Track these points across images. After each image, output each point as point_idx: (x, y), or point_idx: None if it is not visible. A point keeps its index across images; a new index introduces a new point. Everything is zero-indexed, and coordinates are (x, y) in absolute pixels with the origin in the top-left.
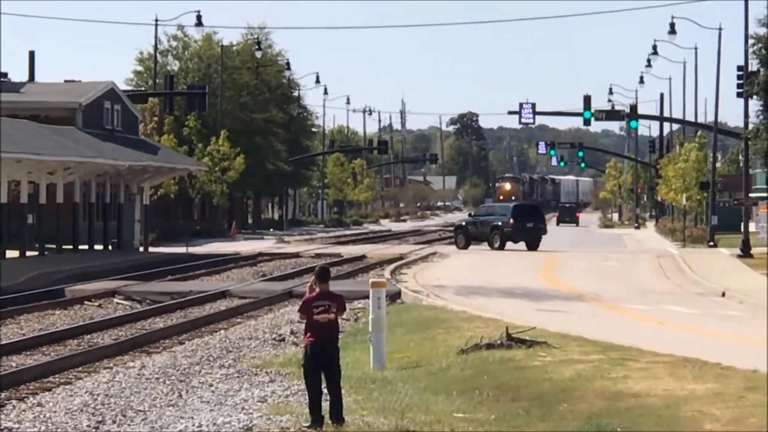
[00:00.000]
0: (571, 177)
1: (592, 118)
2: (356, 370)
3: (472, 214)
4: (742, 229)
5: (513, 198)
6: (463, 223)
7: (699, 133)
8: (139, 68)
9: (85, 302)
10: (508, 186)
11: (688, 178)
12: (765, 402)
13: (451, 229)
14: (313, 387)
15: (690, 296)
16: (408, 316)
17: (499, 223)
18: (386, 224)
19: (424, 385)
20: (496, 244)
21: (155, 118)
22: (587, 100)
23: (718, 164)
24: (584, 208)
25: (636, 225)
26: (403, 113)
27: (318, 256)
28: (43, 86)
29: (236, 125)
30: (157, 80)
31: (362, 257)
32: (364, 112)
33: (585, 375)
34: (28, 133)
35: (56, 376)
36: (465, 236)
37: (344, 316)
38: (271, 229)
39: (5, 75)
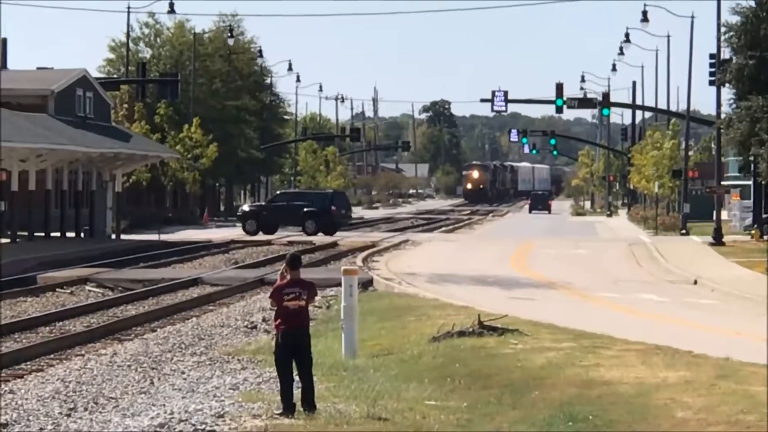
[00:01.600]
0: (527, 164)
1: (565, 106)
2: (328, 357)
3: (268, 200)
4: (714, 217)
5: (481, 186)
6: (255, 209)
7: (673, 121)
8: (112, 56)
9: (57, 289)
10: (476, 174)
11: (661, 166)
12: (736, 390)
13: (425, 216)
14: (284, 374)
15: (662, 284)
16: (380, 304)
17: (315, 210)
18: (358, 212)
19: (396, 372)
20: (311, 230)
21: (125, 106)
22: (559, 87)
23: (690, 152)
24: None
25: (608, 213)
26: (375, 101)
27: (290, 243)
28: (15, 74)
29: (208, 113)
30: (129, 67)
31: (334, 245)
32: (336, 99)
33: (556, 363)
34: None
35: (28, 363)
36: (257, 221)
37: (316, 304)
38: None
39: None
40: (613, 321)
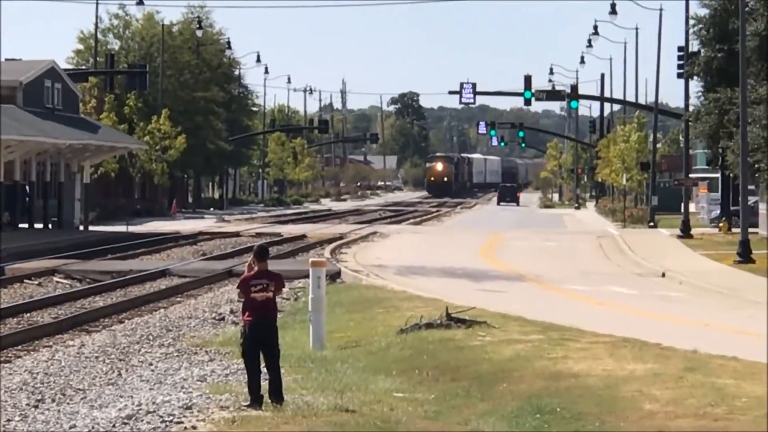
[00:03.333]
0: (479, 156)
1: (533, 98)
2: (296, 349)
3: None
4: (682, 210)
5: (446, 179)
6: None
7: (637, 113)
8: (81, 47)
9: (25, 281)
10: (440, 166)
11: (628, 158)
12: (704, 382)
13: (393, 208)
14: (252, 366)
15: (630, 277)
16: (348, 296)
17: None
18: (327, 203)
19: (364, 364)
20: None
21: (95, 98)
22: (528, 80)
23: (658, 145)
24: (493, 187)
25: (576, 205)
26: (344, 93)
27: (258, 235)
28: None
29: (177, 104)
30: (98, 59)
31: (302, 236)
32: (305, 91)
33: (525, 355)
34: None
35: None
36: None
37: (284, 296)
38: (212, 209)
39: None
40: (581, 313)
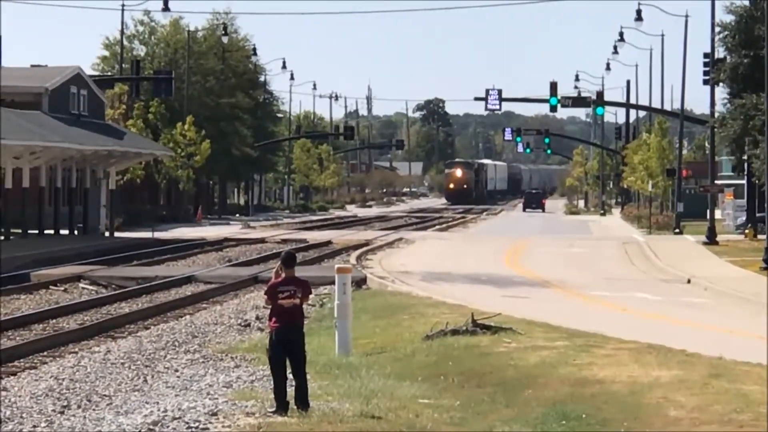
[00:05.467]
0: (490, 161)
1: (559, 105)
2: (322, 355)
3: None
4: (708, 217)
5: (465, 186)
6: None
7: (658, 119)
8: (106, 53)
9: (51, 287)
10: (459, 172)
11: (652, 165)
12: (729, 389)
13: (419, 215)
14: (278, 372)
15: (655, 283)
16: (373, 302)
17: None
18: (352, 210)
19: (389, 370)
20: None
21: (123, 105)
22: (553, 86)
23: (684, 151)
24: (499, 194)
25: (602, 212)
26: (369, 99)
27: (284, 241)
28: (9, 71)
29: (202, 110)
30: (123, 65)
31: (328, 243)
32: (330, 97)
33: (550, 361)
34: None
35: (21, 360)
36: None
37: (310, 302)
38: (237, 215)
39: None
40: (606, 320)
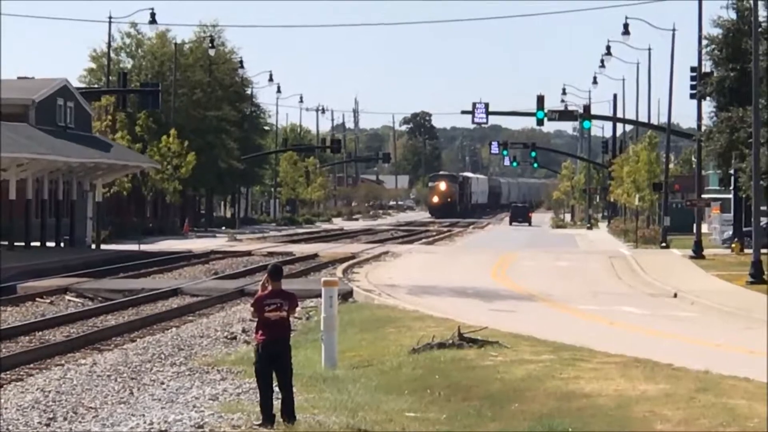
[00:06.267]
0: (472, 174)
1: (545, 119)
2: (308, 368)
3: None
4: (695, 230)
5: (449, 199)
6: None
7: (649, 133)
8: (93, 65)
9: (37, 299)
10: (443, 185)
11: (640, 178)
12: (715, 403)
13: (405, 228)
14: (264, 385)
15: (642, 297)
16: (360, 315)
17: None
18: (339, 223)
19: (376, 384)
20: None
21: (109, 117)
22: (540, 100)
23: (671, 165)
24: (480, 207)
25: (588, 225)
26: (356, 112)
27: (270, 254)
28: None
29: (189, 123)
30: (110, 78)
31: (314, 256)
32: (317, 110)
33: (536, 375)
34: None
35: (7, 372)
36: None
37: (296, 315)
38: (224, 228)
39: None
40: (593, 333)
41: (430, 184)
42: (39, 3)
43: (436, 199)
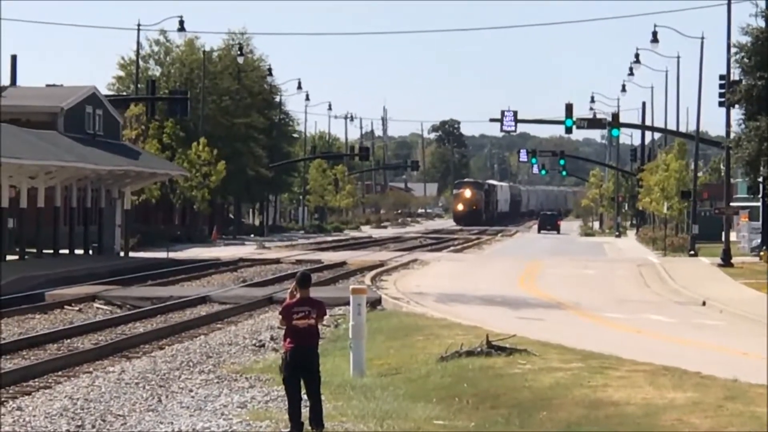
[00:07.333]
0: (494, 182)
1: (574, 126)
2: (336, 376)
3: None
4: (723, 239)
5: (474, 207)
6: None
7: (678, 141)
8: (121, 73)
9: (66, 307)
10: (468, 193)
11: (669, 187)
12: (743, 411)
13: (434, 236)
14: (292, 393)
15: (670, 305)
16: (388, 323)
17: None
18: (367, 231)
19: (404, 392)
20: None
21: (142, 127)
22: (569, 108)
23: (699, 173)
24: (502, 216)
25: (617, 233)
26: (384, 120)
27: (298, 262)
28: (24, 90)
29: (218, 130)
30: (139, 85)
31: (343, 264)
32: (345, 118)
33: (564, 383)
34: (9, 137)
35: (36, 380)
36: None
37: (324, 323)
38: (252, 235)
39: None
40: (621, 342)
41: (454, 191)
42: (69, 10)
43: (461, 207)
